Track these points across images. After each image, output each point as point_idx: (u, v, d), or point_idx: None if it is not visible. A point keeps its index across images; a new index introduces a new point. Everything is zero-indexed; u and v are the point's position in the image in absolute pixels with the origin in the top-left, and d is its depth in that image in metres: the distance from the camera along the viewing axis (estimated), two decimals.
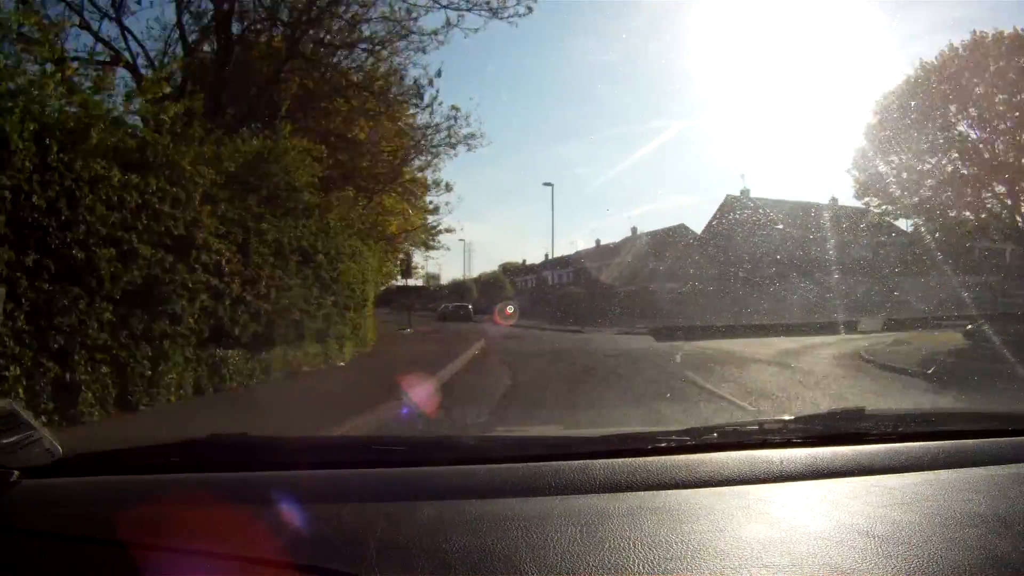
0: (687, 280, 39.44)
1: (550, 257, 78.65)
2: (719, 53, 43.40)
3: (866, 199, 32.02)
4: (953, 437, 2.27)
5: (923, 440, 2.24)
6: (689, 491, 1.84)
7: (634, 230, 64.87)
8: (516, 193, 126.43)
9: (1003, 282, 32.93)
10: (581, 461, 1.97)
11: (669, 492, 1.83)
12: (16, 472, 1.79)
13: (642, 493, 1.81)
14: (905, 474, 1.98)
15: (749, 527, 1.62)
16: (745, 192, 46.08)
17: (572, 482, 1.85)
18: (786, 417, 2.44)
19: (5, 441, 1.80)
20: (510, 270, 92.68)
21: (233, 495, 1.81)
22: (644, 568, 1.41)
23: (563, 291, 61.24)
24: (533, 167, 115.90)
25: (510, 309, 32.64)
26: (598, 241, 74.32)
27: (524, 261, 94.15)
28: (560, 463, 1.95)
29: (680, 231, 53.68)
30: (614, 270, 59.26)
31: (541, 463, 1.96)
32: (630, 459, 2.00)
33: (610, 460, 1.99)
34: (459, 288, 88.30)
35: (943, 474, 1.99)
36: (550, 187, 45.55)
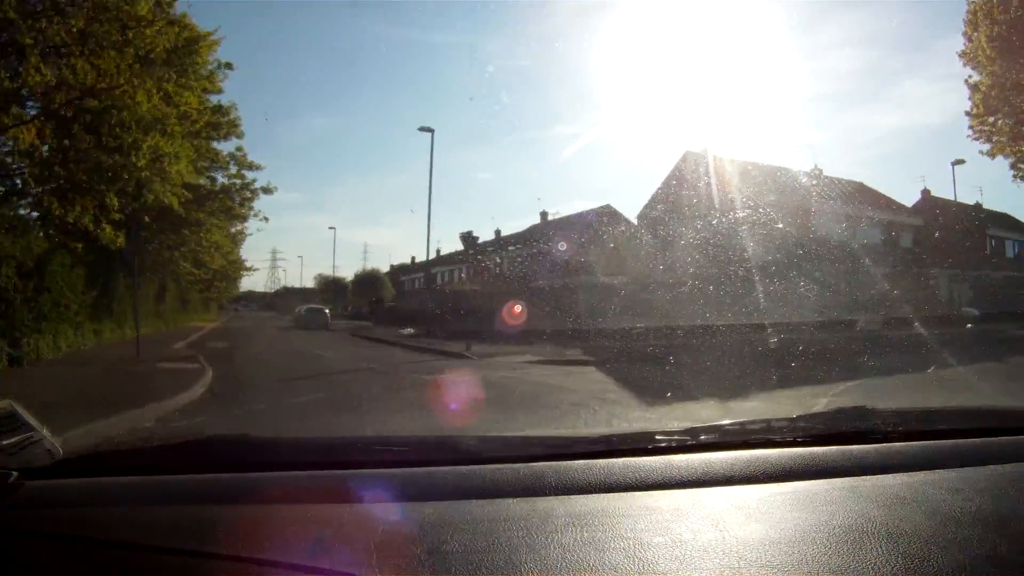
0: (627, 274, 32.15)
1: (440, 252, 68.99)
2: (630, 59, 43.17)
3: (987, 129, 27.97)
4: (954, 436, 2.29)
5: (925, 439, 2.25)
6: (690, 491, 1.84)
7: (544, 215, 55.95)
8: (419, 197, 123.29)
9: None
10: (582, 461, 1.98)
11: (670, 492, 1.83)
12: (15, 473, 1.77)
13: (643, 493, 1.82)
14: (906, 473, 1.97)
15: (750, 527, 1.63)
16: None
17: (573, 482, 1.85)
18: (787, 416, 2.46)
19: (5, 442, 1.79)
20: (403, 269, 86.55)
21: (233, 496, 1.81)
22: (645, 568, 1.42)
23: (451, 291, 53.04)
24: (437, 171, 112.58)
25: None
26: (498, 232, 64.10)
27: (413, 259, 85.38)
28: (561, 463, 1.96)
29: (607, 214, 44.80)
30: (520, 264, 51.35)
31: (542, 463, 1.97)
32: (631, 459, 2.02)
33: (611, 460, 2.00)
34: (332, 288, 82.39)
35: (944, 473, 1.98)
36: (429, 132, 38.27)
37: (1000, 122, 27.49)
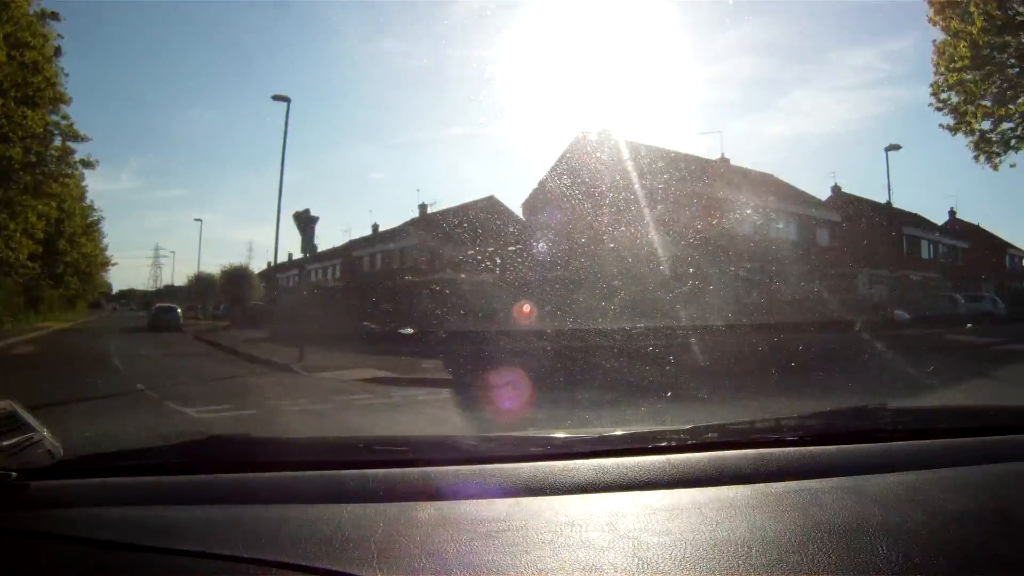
0: (509, 269, 28.13)
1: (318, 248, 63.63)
2: (528, 62, 39.65)
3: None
4: (954, 435, 2.32)
5: (925, 438, 2.28)
6: (691, 490, 1.85)
7: (423, 208, 52.42)
8: (308, 194, 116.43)
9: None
10: (582, 461, 1.99)
11: (671, 491, 1.84)
12: (14, 473, 1.77)
13: (644, 492, 1.83)
14: (906, 472, 1.98)
15: (751, 526, 1.63)
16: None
17: (573, 482, 1.86)
18: (785, 416, 2.48)
19: (5, 443, 1.79)
20: (281, 267, 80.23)
21: (234, 496, 1.83)
22: (646, 567, 1.43)
23: (318, 291, 49.87)
24: (329, 168, 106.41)
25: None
26: (376, 226, 60.55)
27: (291, 255, 78.11)
28: (561, 463, 1.98)
29: (489, 206, 41.88)
30: (392, 261, 49.74)
31: (542, 463, 1.99)
32: (632, 458, 2.03)
33: (611, 460, 2.01)
34: (203, 286, 75.36)
35: (944, 472, 1.99)
36: (285, 102, 32.32)
37: (970, 84, 23.89)
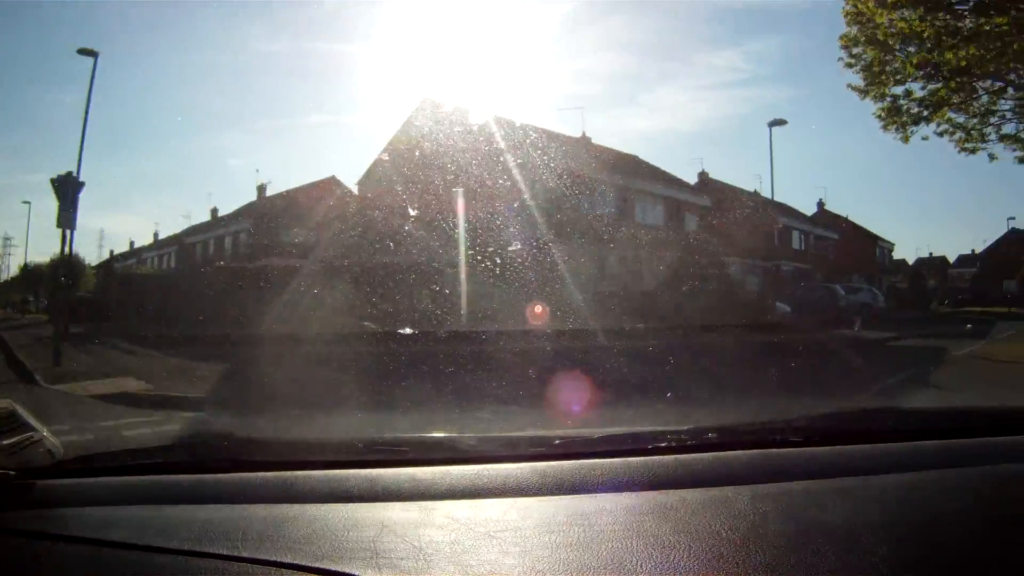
0: (341, 255, 25.42)
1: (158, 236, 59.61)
2: (389, 51, 41.29)
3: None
4: (954, 436, 2.30)
5: (924, 439, 2.26)
6: (691, 490, 1.85)
7: (261, 189, 47.17)
8: (166, 181, 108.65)
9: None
10: (582, 460, 2.01)
11: (671, 491, 1.84)
12: (13, 472, 1.81)
13: (644, 492, 1.84)
14: (906, 473, 1.99)
15: (752, 525, 1.64)
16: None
17: (573, 481, 1.88)
18: (786, 417, 2.46)
19: (5, 442, 1.82)
20: (126, 256, 71.86)
21: (233, 496, 1.85)
22: (646, 567, 1.44)
23: (146, 280, 44.03)
24: (185, 156, 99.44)
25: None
26: (215, 211, 53.89)
27: (132, 243, 70.67)
28: (561, 463, 2.00)
29: (329, 186, 38.39)
30: (227, 245, 44.88)
31: (542, 462, 2.01)
32: (632, 458, 2.04)
33: (612, 460, 2.02)
34: (31, 277, 67.43)
35: (944, 473, 2.01)
36: (93, 56, 26.76)
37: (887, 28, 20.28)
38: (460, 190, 20.53)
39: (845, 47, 21.47)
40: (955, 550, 1.55)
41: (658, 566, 1.46)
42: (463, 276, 16.82)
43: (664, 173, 42.38)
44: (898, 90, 21.70)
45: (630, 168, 37.34)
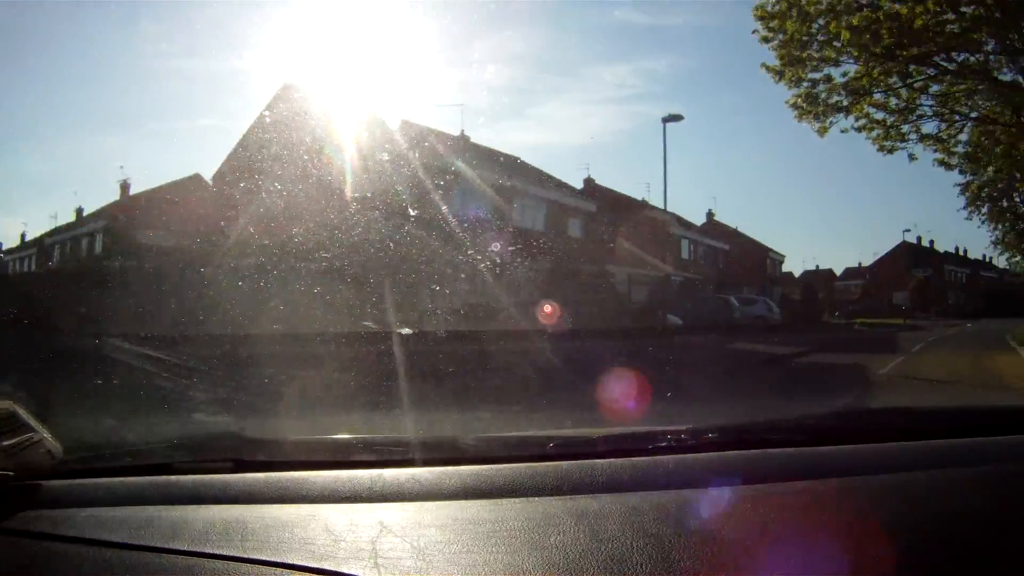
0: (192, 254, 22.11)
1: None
2: (278, 59, 40.84)
3: None
4: (954, 435, 2.27)
5: (925, 438, 2.23)
6: (691, 490, 1.83)
7: (124, 186, 41.91)
8: (54, 185, 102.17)
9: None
10: (582, 460, 1.98)
11: (671, 491, 1.83)
12: (11, 473, 1.80)
13: (644, 492, 1.82)
14: (906, 473, 1.95)
15: (753, 526, 1.65)
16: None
17: (574, 482, 1.86)
18: (785, 417, 2.45)
19: (5, 443, 1.80)
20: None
21: (233, 496, 1.84)
22: (647, 567, 1.43)
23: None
24: (60, 157, 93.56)
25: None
26: (80, 210, 49.43)
27: (23, 236, 65.43)
28: (561, 463, 1.97)
29: (192, 183, 35.09)
30: (87, 246, 41.50)
31: (542, 463, 1.98)
32: (632, 458, 2.02)
33: (611, 460, 1.99)
34: None
35: (945, 472, 1.97)
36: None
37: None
38: (313, 183, 18.47)
39: (761, 18, 18.97)
40: (958, 550, 1.51)
41: (658, 566, 1.43)
42: (311, 275, 15.69)
43: (547, 176, 39.32)
44: (816, 76, 19.58)
45: (510, 168, 34.24)
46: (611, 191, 44.25)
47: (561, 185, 39.49)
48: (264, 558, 1.50)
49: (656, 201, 38.66)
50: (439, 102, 60.26)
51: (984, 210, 35.43)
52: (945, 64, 18.76)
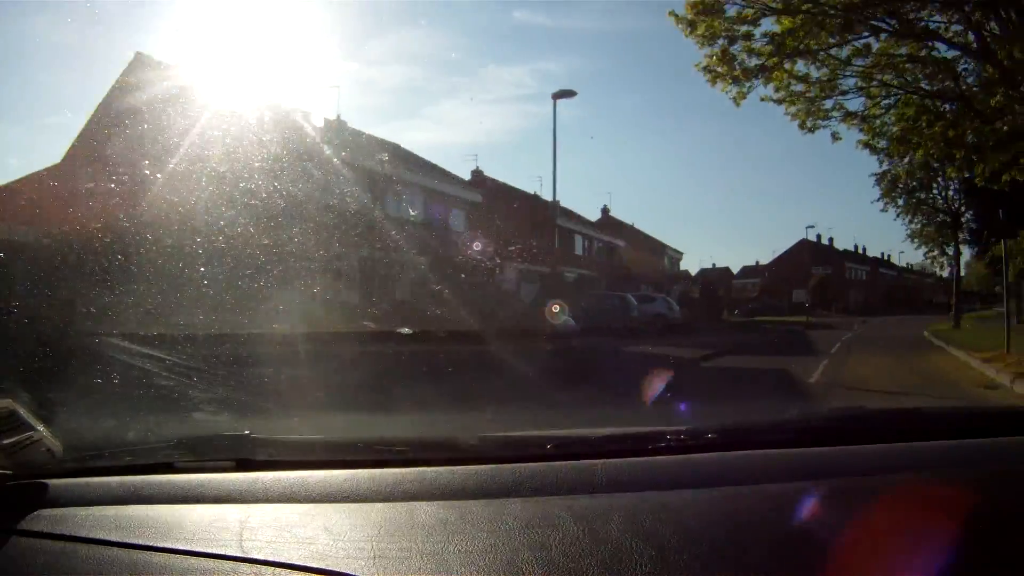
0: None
1: None
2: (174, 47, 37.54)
3: None
4: (954, 436, 2.25)
5: (924, 439, 2.21)
6: (691, 491, 1.82)
7: None
8: None
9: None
10: (582, 461, 1.97)
11: (671, 491, 1.81)
12: (10, 472, 1.82)
13: (644, 492, 1.80)
14: (906, 473, 1.94)
15: (753, 526, 1.62)
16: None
17: (573, 482, 1.84)
18: (785, 417, 2.49)
19: (5, 442, 1.82)
20: None
21: (233, 495, 1.84)
22: (647, 568, 1.43)
23: None
24: None
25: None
26: None
27: None
28: (561, 463, 1.95)
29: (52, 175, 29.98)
30: None
31: (542, 463, 1.97)
32: (632, 459, 2.01)
33: (611, 460, 1.97)
34: None
35: (945, 472, 1.95)
36: None
37: None
38: (156, 166, 15.06)
39: None
40: (958, 551, 1.46)
41: (658, 566, 1.42)
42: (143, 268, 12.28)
43: (430, 164, 36.22)
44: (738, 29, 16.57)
45: (387, 154, 30.82)
46: (500, 183, 41.63)
47: (446, 175, 36.22)
48: (264, 558, 1.49)
49: (549, 193, 35.83)
50: (341, 103, 59.12)
51: (900, 202, 33.97)
52: (884, 24, 16.07)
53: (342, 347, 12.85)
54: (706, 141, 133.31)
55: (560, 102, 27.73)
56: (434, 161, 36.81)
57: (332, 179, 23.70)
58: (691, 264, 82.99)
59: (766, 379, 14.04)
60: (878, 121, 18.71)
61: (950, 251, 35.65)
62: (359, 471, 1.93)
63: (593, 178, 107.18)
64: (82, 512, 1.74)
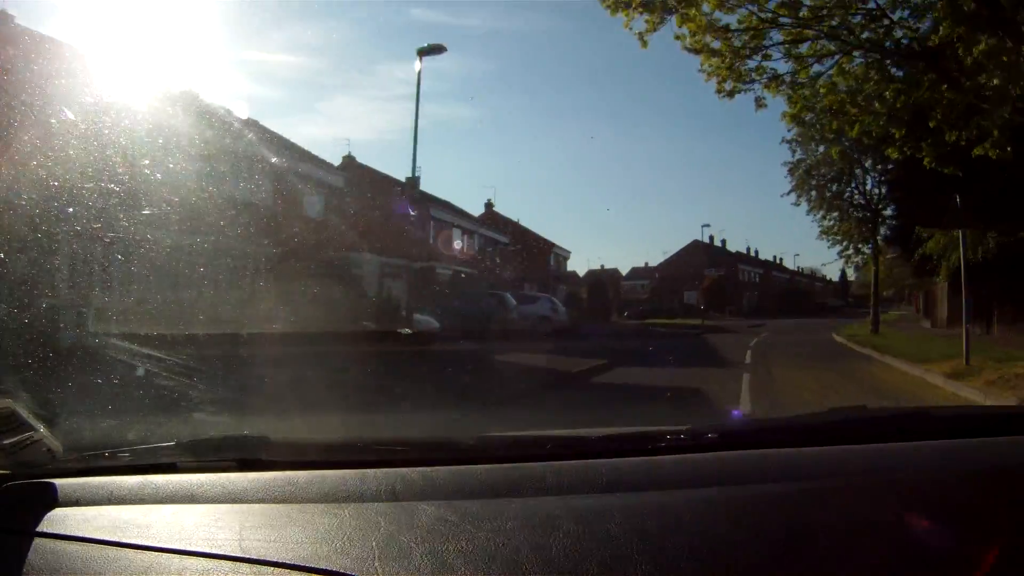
0: None
1: None
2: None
3: None
4: (954, 436, 2.24)
5: (924, 439, 2.19)
6: (691, 491, 1.82)
7: None
8: None
9: None
10: (582, 461, 1.98)
11: (671, 491, 1.82)
12: (10, 472, 1.83)
13: (644, 493, 1.81)
14: (906, 473, 1.94)
15: (753, 526, 1.62)
16: None
17: (573, 482, 1.84)
18: (784, 417, 2.61)
19: (6, 442, 1.84)
20: None
21: (233, 496, 1.84)
22: (647, 568, 1.42)
23: None
24: None
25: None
26: None
27: None
28: (561, 463, 1.96)
29: None
30: None
31: (542, 463, 1.98)
32: (632, 459, 2.02)
33: (611, 460, 1.99)
34: None
35: (945, 472, 1.95)
36: None
37: None
38: None
39: None
40: (958, 551, 1.48)
41: (658, 567, 1.41)
42: None
43: (288, 142, 31.23)
44: None
45: (228, 122, 26.23)
46: (372, 170, 37.35)
47: (305, 155, 31.61)
48: (264, 558, 1.48)
49: (430, 187, 31.79)
50: (234, 94, 54.91)
51: (813, 195, 30.93)
52: None
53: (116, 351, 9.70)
54: (599, 143, 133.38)
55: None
56: (328, 159, 33.49)
57: (155, 149, 19.95)
58: (579, 265, 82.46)
59: (684, 405, 10.25)
60: (807, 91, 15.09)
61: (866, 248, 32.56)
62: (359, 471, 1.91)
63: (484, 179, 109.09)
64: (82, 512, 1.74)
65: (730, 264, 76.39)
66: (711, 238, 77.68)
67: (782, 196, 32.67)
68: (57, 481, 1.86)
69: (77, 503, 1.78)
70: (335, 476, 1.91)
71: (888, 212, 30.73)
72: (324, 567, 1.44)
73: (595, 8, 14.65)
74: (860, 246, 32.53)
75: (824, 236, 33.16)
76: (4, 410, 1.92)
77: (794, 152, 29.43)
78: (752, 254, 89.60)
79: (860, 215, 30.87)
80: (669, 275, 73.19)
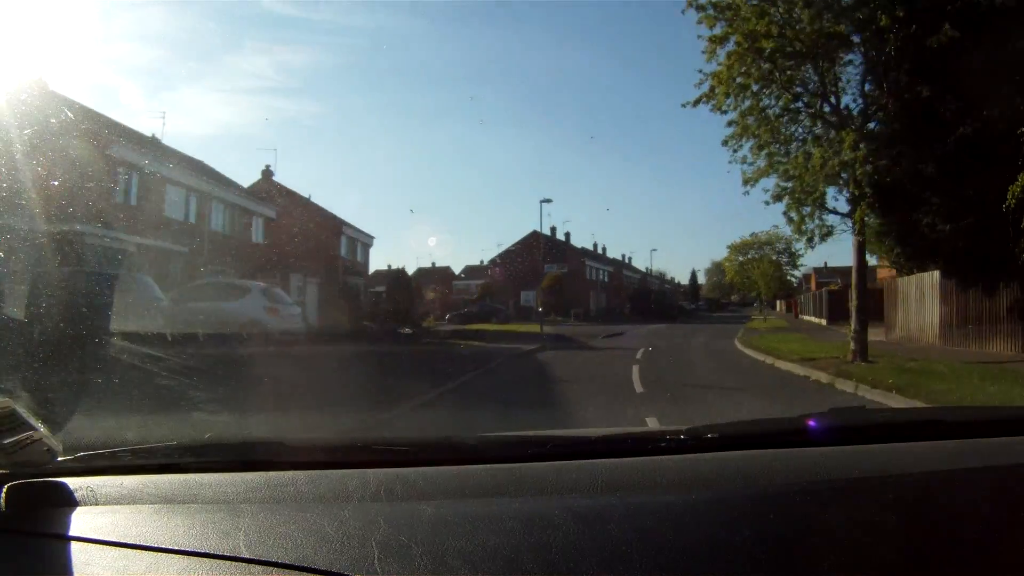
0: None
1: None
2: None
3: None
4: (954, 435, 2.27)
5: (925, 439, 2.23)
6: (691, 491, 1.83)
7: None
8: None
9: None
10: (582, 461, 1.99)
11: (671, 492, 1.83)
12: (10, 472, 1.80)
13: (644, 492, 1.83)
14: (907, 473, 1.95)
15: (753, 526, 1.61)
16: None
17: (573, 482, 1.86)
18: (785, 416, 2.53)
19: (5, 442, 1.76)
20: None
21: (234, 496, 1.84)
22: (647, 568, 1.41)
23: None
24: None
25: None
26: None
27: None
28: (561, 463, 1.98)
29: None
30: None
31: (542, 463, 2.00)
32: (632, 459, 2.03)
33: (611, 460, 2.00)
34: None
35: (946, 473, 1.97)
36: None
37: None
38: None
39: None
40: (958, 551, 1.49)
41: (657, 566, 1.41)
42: None
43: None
44: None
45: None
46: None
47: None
48: (264, 558, 1.47)
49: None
50: (81, 82, 55.49)
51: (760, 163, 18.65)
52: None
53: None
54: (446, 141, 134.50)
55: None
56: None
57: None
58: (409, 263, 78.09)
59: None
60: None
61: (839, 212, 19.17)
62: (359, 471, 1.93)
63: (326, 177, 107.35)
64: (81, 512, 1.72)
65: (575, 260, 66.69)
66: (553, 230, 67.28)
67: (728, 164, 18.90)
68: (56, 481, 1.84)
69: (75, 503, 1.76)
70: (335, 476, 1.91)
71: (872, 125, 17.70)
72: (324, 567, 1.42)
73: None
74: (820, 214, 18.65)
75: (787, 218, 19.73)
76: (4, 410, 1.80)
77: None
78: (600, 251, 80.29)
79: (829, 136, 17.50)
80: (505, 271, 62.44)
